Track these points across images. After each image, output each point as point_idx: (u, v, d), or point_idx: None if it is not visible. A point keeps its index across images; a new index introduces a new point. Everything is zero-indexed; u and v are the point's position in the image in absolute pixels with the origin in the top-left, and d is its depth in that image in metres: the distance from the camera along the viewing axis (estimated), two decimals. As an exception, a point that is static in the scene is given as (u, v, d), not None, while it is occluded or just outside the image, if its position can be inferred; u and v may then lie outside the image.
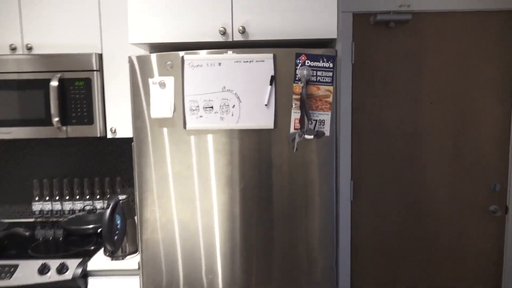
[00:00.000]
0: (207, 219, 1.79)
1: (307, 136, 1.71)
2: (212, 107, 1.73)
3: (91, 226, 2.28)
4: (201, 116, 1.74)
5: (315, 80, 1.72)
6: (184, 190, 1.79)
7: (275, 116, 1.73)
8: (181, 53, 1.72)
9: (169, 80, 1.74)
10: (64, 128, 2.19)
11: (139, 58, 1.75)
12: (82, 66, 2.16)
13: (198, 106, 1.74)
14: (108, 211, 1.84)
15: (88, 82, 2.16)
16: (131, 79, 1.77)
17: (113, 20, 2.17)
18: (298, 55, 1.71)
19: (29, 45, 2.19)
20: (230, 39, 1.83)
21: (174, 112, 1.75)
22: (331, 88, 1.73)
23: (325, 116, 1.74)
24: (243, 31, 1.79)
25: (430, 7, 2.47)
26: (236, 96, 1.72)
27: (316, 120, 1.74)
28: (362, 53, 2.55)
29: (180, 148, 1.78)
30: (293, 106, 1.73)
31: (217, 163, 1.77)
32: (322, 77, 1.72)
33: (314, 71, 1.72)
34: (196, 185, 1.78)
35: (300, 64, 1.71)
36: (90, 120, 2.19)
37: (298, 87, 1.72)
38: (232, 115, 1.73)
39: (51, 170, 2.65)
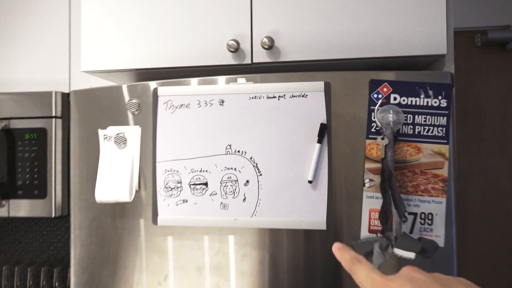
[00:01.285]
0: None
1: (398, 252, 0.81)
2: (206, 184, 0.90)
3: None
4: (184, 201, 0.91)
5: (411, 132, 0.85)
6: None
7: (330, 205, 0.86)
8: (152, 84, 0.94)
9: (132, 133, 0.95)
10: (4, 202, 1.45)
11: (77, 94, 1.00)
12: (37, 110, 1.45)
13: (180, 182, 0.91)
14: None
15: (42, 134, 1.44)
16: (72, 128, 1.01)
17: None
18: (375, 84, 0.86)
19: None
20: (247, 61, 1.03)
21: (138, 191, 0.94)
22: (445, 149, 0.84)
23: (435, 207, 0.84)
24: (270, 46, 0.99)
25: None
26: (252, 164, 0.88)
27: (416, 216, 0.84)
28: (466, 86, 1.64)
29: (149, 263, 0.94)
30: (366, 186, 0.86)
31: (213, 293, 0.91)
32: (427, 127, 0.85)
33: (409, 115, 0.85)
34: (173, 335, 0.92)
35: (379, 102, 0.86)
36: (41, 192, 1.44)
37: (375, 147, 0.86)
38: (244, 199, 0.89)
39: None
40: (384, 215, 0.84)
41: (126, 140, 0.95)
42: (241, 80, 0.90)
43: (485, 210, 1.62)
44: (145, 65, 1.07)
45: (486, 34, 1.59)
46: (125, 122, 0.96)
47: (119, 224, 0.96)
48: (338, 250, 0.42)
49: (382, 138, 0.83)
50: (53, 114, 1.47)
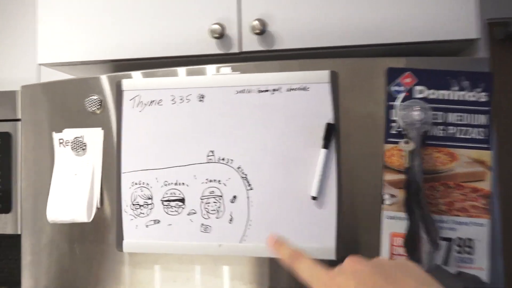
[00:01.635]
0: None
1: (430, 291, 0.62)
2: (182, 200, 0.72)
3: None
4: (156, 222, 0.73)
5: (442, 135, 0.66)
6: None
7: (340, 229, 0.67)
8: (116, 76, 0.76)
9: (93, 137, 0.77)
10: (-37, 217, 1.27)
11: (27, 90, 0.82)
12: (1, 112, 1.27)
13: (150, 198, 0.73)
14: None
15: (6, 139, 1.26)
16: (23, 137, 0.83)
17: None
18: (394, 74, 0.68)
19: None
20: (234, 49, 0.84)
21: (100, 209, 0.76)
22: (486, 155, 0.66)
23: (476, 230, 0.65)
24: (261, 30, 0.80)
25: None
26: (240, 175, 0.70)
27: (451, 242, 0.65)
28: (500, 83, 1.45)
29: (110, 295, 0.76)
30: (386, 203, 0.67)
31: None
32: (462, 129, 0.66)
33: (440, 113, 0.66)
34: None
35: (401, 96, 0.67)
36: (5, 206, 1.25)
37: (397, 154, 0.67)
38: (231, 220, 0.70)
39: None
40: (411, 241, 0.66)
41: (85, 146, 0.77)
42: (225, 69, 0.72)
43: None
44: (113, 55, 0.89)
45: (508, 26, 1.41)
46: (84, 124, 0.78)
47: (77, 249, 0.78)
48: (274, 244, 0.41)
49: (406, 142, 0.65)
50: (19, 117, 1.28)
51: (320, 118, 0.68)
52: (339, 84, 0.68)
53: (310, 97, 0.68)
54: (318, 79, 0.68)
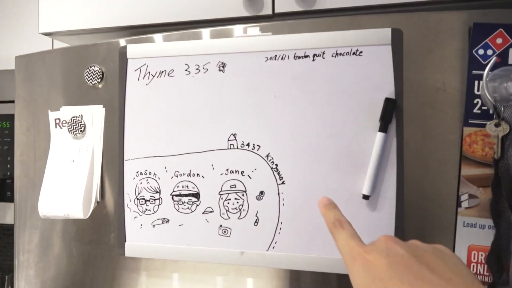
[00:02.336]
0: None
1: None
2: (197, 195, 0.57)
3: None
4: (165, 221, 0.59)
5: (548, 114, 0.48)
6: None
7: (399, 237, 0.51)
8: (120, 42, 0.62)
9: (93, 116, 0.64)
10: (-29, 206, 1.19)
11: (21, 60, 0.70)
12: (6, 93, 1.18)
13: (158, 191, 0.59)
14: None
15: (9, 123, 1.17)
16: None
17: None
18: (481, 31, 0.50)
19: None
20: (265, 11, 0.69)
21: (101, 203, 0.63)
22: None
23: None
24: (299, -14, 0.64)
25: None
26: (270, 165, 0.55)
27: (558, 262, 0.47)
28: None
29: (110, 306, 0.63)
30: (464, 207, 0.50)
31: None
32: None
33: (544, 85, 0.48)
34: None
35: (490, 62, 0.49)
36: (12, 194, 1.16)
37: (481, 141, 0.50)
38: (256, 222, 0.55)
39: None
40: (497, 257, 0.48)
41: (84, 127, 0.64)
42: (253, 30, 0.56)
43: None
44: (122, 22, 0.75)
45: None
46: (84, 101, 0.65)
47: (74, 250, 0.65)
48: (324, 206, 0.41)
49: (497, 125, 0.47)
50: (29, 97, 1.16)
51: (376, 92, 0.51)
52: (405, 47, 0.51)
53: (363, 64, 0.51)
54: (375, 40, 0.51)
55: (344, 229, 0.38)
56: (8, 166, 1.18)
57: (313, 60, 0.53)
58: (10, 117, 1.18)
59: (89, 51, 0.65)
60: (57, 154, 0.66)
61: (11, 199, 1.17)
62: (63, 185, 0.63)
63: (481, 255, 0.50)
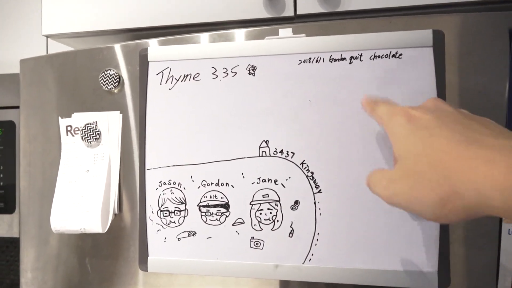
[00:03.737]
0: None
1: None
2: (226, 206, 0.54)
3: None
4: (192, 233, 0.55)
5: None
6: None
7: (443, 247, 0.49)
8: (141, 44, 0.59)
9: (109, 123, 0.60)
10: (-39, 218, 1.12)
11: (27, 64, 0.65)
12: (1, 99, 1.12)
13: (184, 202, 0.56)
14: None
15: (10, 129, 1.11)
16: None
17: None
18: (523, 34, 0.49)
19: None
20: (287, 13, 0.66)
21: (119, 215, 0.59)
22: None
23: None
24: (324, -14, 0.62)
25: None
26: (305, 173, 0.52)
27: None
28: None
29: (130, 326, 0.59)
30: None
31: None
32: None
33: None
34: None
35: (534, 64, 0.48)
36: (10, 205, 1.10)
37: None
38: (291, 233, 0.52)
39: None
40: (545, 265, 0.47)
41: (99, 134, 0.60)
42: (285, 32, 0.54)
43: None
44: (131, 23, 0.72)
45: None
46: (98, 106, 0.61)
47: (89, 266, 0.61)
48: (368, 104, 0.41)
49: (544, 129, 0.46)
50: (24, 103, 1.11)
51: (417, 96, 0.49)
52: (449, 48, 0.49)
53: (403, 67, 0.50)
54: (415, 42, 0.49)
55: (386, 103, 0.38)
56: (1, 175, 1.12)
57: (350, 63, 0.51)
58: (4, 124, 1.13)
59: (103, 53, 0.61)
60: (70, 163, 0.61)
61: (5, 210, 1.11)
62: (78, 197, 0.59)
63: (528, 263, 0.49)
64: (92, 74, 0.61)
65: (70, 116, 0.62)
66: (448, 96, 0.50)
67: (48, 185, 0.63)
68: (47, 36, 0.77)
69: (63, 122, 0.62)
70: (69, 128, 0.62)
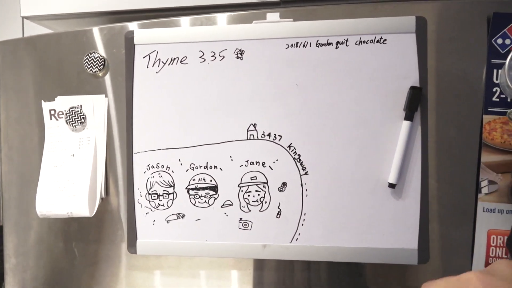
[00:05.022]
0: None
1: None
2: (214, 189, 0.55)
3: None
4: (180, 216, 0.56)
5: None
6: None
7: (423, 224, 0.51)
8: (126, 26, 0.58)
9: (95, 106, 0.60)
10: None
11: (6, 46, 0.64)
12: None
13: (172, 185, 0.56)
14: None
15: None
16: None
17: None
18: (500, 21, 0.51)
19: None
20: (274, -3, 0.67)
21: (105, 199, 0.59)
22: None
23: None
24: (310, -29, 0.63)
25: None
26: (292, 155, 0.53)
27: None
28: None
29: (119, 308, 0.59)
30: (483, 192, 0.51)
31: None
32: None
33: (559, 74, 0.50)
34: None
35: (509, 51, 0.51)
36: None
37: (501, 128, 0.51)
38: (279, 214, 0.54)
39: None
40: (516, 240, 0.50)
41: (84, 118, 0.59)
42: (273, 16, 0.54)
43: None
44: (113, 6, 0.70)
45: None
46: (82, 90, 0.60)
47: (76, 250, 0.61)
48: None
49: (518, 112, 0.49)
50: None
51: (401, 81, 0.51)
52: (428, 34, 0.51)
53: (387, 52, 0.51)
54: (399, 28, 0.51)
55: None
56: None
57: (336, 48, 0.52)
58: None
59: (87, 36, 0.60)
60: (54, 147, 0.60)
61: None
62: (64, 181, 0.58)
63: (500, 238, 0.52)
64: (76, 57, 0.60)
65: (54, 100, 0.61)
66: (429, 81, 0.52)
67: (31, 170, 0.62)
68: (26, 18, 0.75)
69: (46, 106, 0.61)
70: (52, 112, 0.61)
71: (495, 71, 0.51)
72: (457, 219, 0.52)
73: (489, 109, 0.51)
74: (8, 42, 0.64)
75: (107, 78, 0.60)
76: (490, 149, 0.51)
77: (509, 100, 0.51)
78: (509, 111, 0.50)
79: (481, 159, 0.51)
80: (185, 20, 0.57)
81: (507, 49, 0.51)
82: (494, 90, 0.51)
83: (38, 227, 0.62)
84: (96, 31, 0.60)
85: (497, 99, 0.51)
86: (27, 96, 0.63)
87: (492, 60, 0.51)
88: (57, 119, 0.61)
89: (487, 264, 0.52)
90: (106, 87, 0.60)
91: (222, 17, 0.56)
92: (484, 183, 0.52)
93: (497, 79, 0.51)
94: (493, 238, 0.52)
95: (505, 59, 0.50)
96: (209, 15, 0.57)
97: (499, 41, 0.51)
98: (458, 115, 0.52)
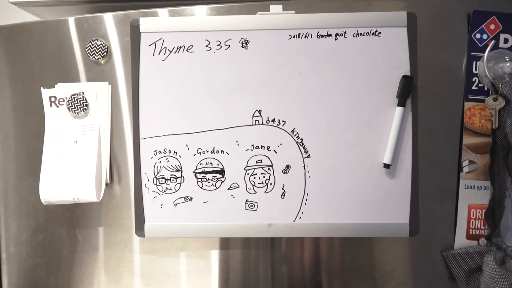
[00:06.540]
0: None
1: (526, 269, 0.54)
2: (221, 172, 0.58)
3: None
4: (188, 199, 0.58)
5: (531, 90, 0.57)
6: None
7: (414, 200, 0.57)
8: (131, 14, 0.59)
9: (98, 93, 0.60)
10: None
11: (4, 31, 0.63)
12: None
13: (180, 170, 0.58)
14: None
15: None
16: None
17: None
18: (479, 18, 0.57)
19: None
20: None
21: (110, 185, 0.60)
22: None
23: None
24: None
25: None
26: (295, 139, 0.57)
27: (539, 212, 0.57)
28: None
29: (126, 291, 0.61)
30: (465, 171, 0.58)
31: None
32: (553, 83, 0.58)
33: (527, 66, 0.57)
34: None
35: (489, 46, 0.57)
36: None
37: (479, 114, 0.57)
38: (283, 195, 0.57)
39: None
40: (492, 213, 0.57)
41: (87, 105, 0.60)
42: (276, 8, 0.57)
43: None
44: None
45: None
46: (84, 77, 0.61)
47: (79, 236, 0.62)
48: None
49: (495, 99, 0.55)
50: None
51: (394, 70, 0.56)
52: (419, 28, 0.56)
53: (382, 44, 0.56)
54: (392, 22, 0.56)
55: None
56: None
57: (335, 39, 0.56)
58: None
59: (89, 23, 0.61)
60: (56, 135, 0.60)
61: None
62: (68, 168, 0.59)
63: (479, 212, 0.58)
64: (78, 45, 0.61)
65: (54, 87, 0.61)
66: (417, 71, 0.57)
67: (31, 158, 0.62)
68: (14, 3, 0.73)
69: (46, 93, 0.61)
70: (53, 99, 0.61)
71: (474, 62, 0.57)
72: (442, 196, 0.58)
73: (469, 97, 0.58)
74: (4, 27, 0.63)
75: (111, 65, 0.60)
76: (470, 132, 0.58)
77: (486, 89, 0.57)
78: (487, 98, 0.56)
79: (462, 141, 0.58)
80: (194, 9, 0.59)
81: (484, 43, 0.57)
82: (473, 79, 0.58)
83: (38, 215, 0.62)
84: (97, 18, 0.60)
85: (476, 88, 0.58)
86: (26, 83, 0.62)
87: (472, 53, 0.57)
88: (57, 106, 0.61)
89: (468, 234, 0.58)
90: (110, 74, 0.60)
91: (227, 8, 0.59)
92: (465, 163, 0.58)
93: (476, 70, 0.57)
94: (473, 211, 0.58)
95: (483, 52, 0.57)
96: (214, 5, 0.59)
97: (478, 36, 0.57)
98: (443, 102, 0.58)
